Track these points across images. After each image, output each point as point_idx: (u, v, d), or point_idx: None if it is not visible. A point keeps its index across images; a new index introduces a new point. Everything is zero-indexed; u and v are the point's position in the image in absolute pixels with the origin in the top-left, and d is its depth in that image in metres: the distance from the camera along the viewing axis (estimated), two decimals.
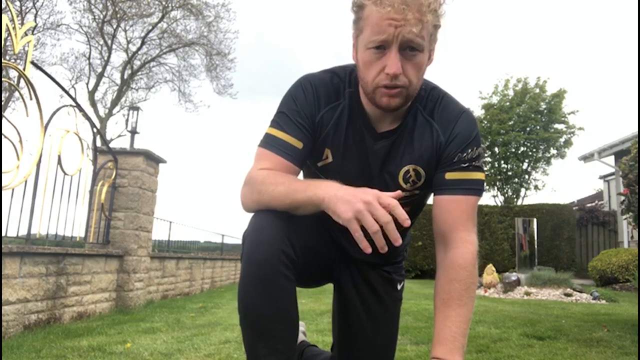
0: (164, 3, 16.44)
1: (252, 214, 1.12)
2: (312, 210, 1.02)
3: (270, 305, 1.02)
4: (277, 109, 1.19)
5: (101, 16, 16.21)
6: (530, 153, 14.89)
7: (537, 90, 14.76)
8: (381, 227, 0.91)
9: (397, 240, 0.91)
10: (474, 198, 1.18)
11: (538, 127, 14.60)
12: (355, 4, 1.06)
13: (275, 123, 1.16)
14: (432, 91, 1.20)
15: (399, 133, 1.17)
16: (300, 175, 1.22)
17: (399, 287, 1.48)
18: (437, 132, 1.17)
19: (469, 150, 1.16)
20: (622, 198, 3.91)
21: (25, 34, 3.02)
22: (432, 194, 1.26)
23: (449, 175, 1.17)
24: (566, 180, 26.91)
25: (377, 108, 1.11)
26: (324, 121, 1.18)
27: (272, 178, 1.07)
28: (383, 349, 1.38)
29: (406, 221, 0.90)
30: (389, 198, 0.92)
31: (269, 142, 1.14)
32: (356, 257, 1.31)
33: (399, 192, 0.98)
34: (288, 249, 1.04)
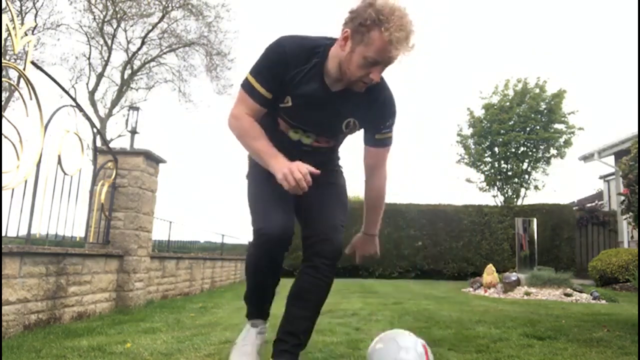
0: (164, 3, 16.45)
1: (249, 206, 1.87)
2: (265, 166, 1.69)
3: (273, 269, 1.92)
4: (258, 61, 1.70)
5: (101, 16, 16.22)
6: (530, 153, 14.88)
7: (537, 90, 14.75)
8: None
9: (309, 182, 1.58)
10: (388, 148, 1.87)
11: (538, 127, 14.59)
12: (364, 17, 1.51)
13: (256, 74, 1.69)
14: None
15: (345, 94, 1.71)
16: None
17: (338, 169, 2.08)
18: (371, 103, 1.75)
19: (390, 120, 1.80)
20: (622, 198, 3.91)
21: (25, 34, 3.02)
22: (365, 144, 1.87)
23: (378, 136, 1.83)
24: (566, 180, 26.88)
25: (349, 87, 1.68)
26: (292, 79, 1.69)
27: (252, 132, 1.72)
28: (342, 205, 1.99)
29: (315, 171, 1.59)
30: (303, 169, 1.56)
31: (249, 91, 1.71)
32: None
33: (313, 169, 1.59)
34: (288, 234, 1.75)
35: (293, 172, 1.56)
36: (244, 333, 2.03)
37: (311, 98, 1.71)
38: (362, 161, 1.92)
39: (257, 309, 2.07)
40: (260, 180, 1.85)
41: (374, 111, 1.77)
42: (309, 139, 1.85)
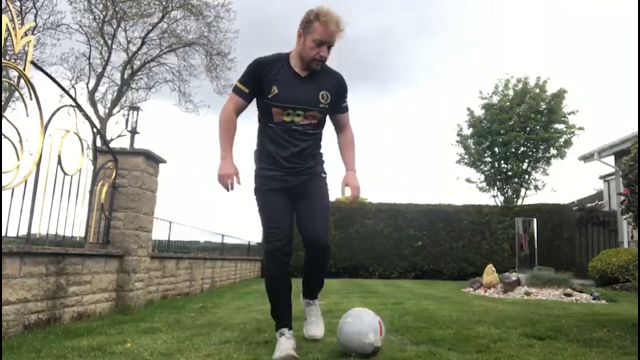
0: (164, 3, 16.44)
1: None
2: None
3: (284, 287, 2.47)
4: (242, 74, 2.48)
5: (101, 16, 16.21)
6: (530, 153, 14.86)
7: (537, 90, 14.73)
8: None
9: (232, 186, 2.38)
10: (348, 113, 2.67)
11: (538, 127, 14.57)
12: (308, 17, 2.35)
13: (240, 79, 2.48)
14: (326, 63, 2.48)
15: (312, 77, 2.46)
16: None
17: (323, 175, 2.61)
18: (333, 80, 2.53)
19: (346, 93, 2.61)
20: (622, 198, 3.91)
21: (25, 34, 3.02)
22: (333, 115, 2.62)
23: (343, 105, 2.62)
24: (566, 180, 26.85)
25: (308, 68, 2.43)
26: (268, 74, 2.41)
27: (226, 124, 2.47)
28: (325, 212, 2.54)
29: (239, 182, 2.43)
30: (227, 180, 2.36)
31: (235, 90, 2.49)
32: (293, 180, 2.49)
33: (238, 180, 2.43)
34: (282, 239, 2.38)
35: (223, 177, 2.38)
36: (277, 344, 2.35)
37: (290, 82, 2.42)
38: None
39: (281, 320, 2.43)
40: (264, 194, 2.51)
41: (337, 86, 2.54)
42: (299, 117, 2.44)
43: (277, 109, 2.41)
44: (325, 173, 2.62)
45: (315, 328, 2.73)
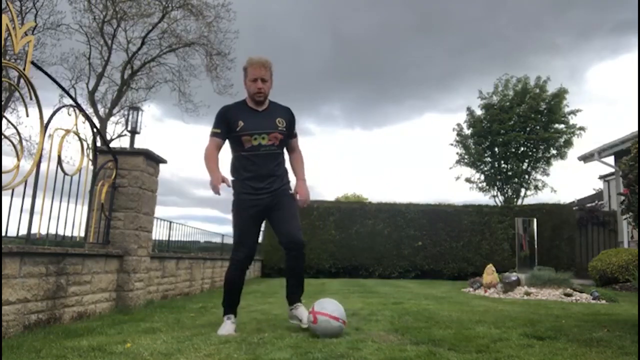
0: (164, 3, 16.42)
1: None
2: (209, 176, 3.02)
3: (239, 285, 3.23)
4: (214, 122, 3.17)
5: (101, 16, 16.18)
6: (530, 153, 14.86)
7: (537, 91, 14.73)
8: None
9: (218, 191, 2.97)
10: (297, 138, 3.39)
11: (538, 127, 14.58)
12: (244, 67, 3.16)
13: (213, 126, 3.17)
14: (273, 100, 3.28)
15: (267, 110, 3.18)
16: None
17: (290, 192, 3.25)
18: (285, 111, 3.25)
19: (295, 122, 3.31)
20: (622, 198, 3.91)
21: (25, 34, 3.02)
22: (287, 140, 3.26)
23: (293, 131, 3.32)
24: (566, 180, 26.87)
25: (255, 102, 3.16)
26: (233, 114, 3.12)
27: (209, 158, 3.08)
28: (296, 216, 3.18)
29: (228, 183, 3.08)
30: (216, 189, 2.95)
31: (212, 134, 3.16)
32: (266, 201, 3.13)
33: (226, 182, 3.03)
34: (250, 253, 3.18)
35: (213, 181, 2.96)
36: (223, 324, 3.09)
37: (251, 116, 3.13)
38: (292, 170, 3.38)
39: (231, 309, 3.18)
40: (240, 214, 3.16)
41: (289, 116, 3.24)
42: (264, 139, 3.10)
43: (246, 137, 3.09)
44: (291, 190, 3.27)
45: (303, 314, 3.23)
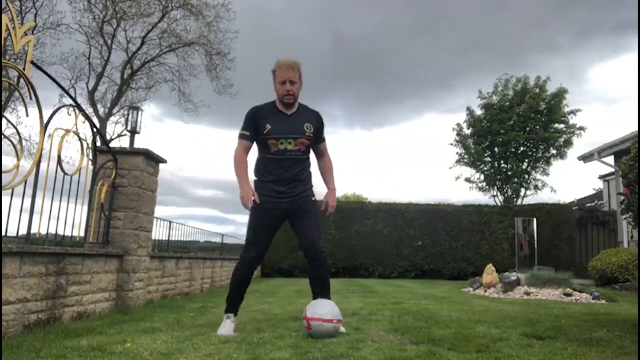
0: (164, 3, 16.42)
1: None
2: (239, 185, 3.09)
3: (246, 285, 3.24)
4: (243, 123, 3.15)
5: (101, 16, 16.18)
6: (530, 153, 14.86)
7: (537, 91, 14.73)
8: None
9: (249, 207, 3.06)
10: (326, 143, 3.35)
11: (538, 127, 14.57)
12: (272, 70, 3.09)
13: (242, 128, 3.15)
14: (303, 103, 3.22)
15: (296, 114, 3.13)
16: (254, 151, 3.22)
17: (313, 199, 3.21)
18: (314, 115, 3.21)
19: (323, 127, 3.28)
20: (622, 198, 3.91)
21: (25, 34, 3.02)
22: (315, 145, 3.24)
23: (322, 136, 3.28)
24: (566, 180, 26.88)
25: (284, 105, 3.11)
26: (261, 116, 3.09)
27: (239, 163, 3.11)
28: (317, 224, 3.18)
29: (257, 199, 3.06)
30: (248, 203, 3.03)
31: (240, 136, 3.14)
32: (287, 205, 3.10)
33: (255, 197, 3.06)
34: (261, 254, 3.18)
35: (245, 198, 3.03)
36: (224, 323, 3.11)
37: (279, 119, 3.09)
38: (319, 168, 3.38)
39: (234, 307, 3.19)
40: (258, 215, 3.09)
41: (318, 121, 3.21)
42: (290, 144, 3.06)
43: (273, 141, 3.05)
44: (314, 196, 3.23)
45: None
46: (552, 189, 15.76)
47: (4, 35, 2.74)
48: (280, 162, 3.07)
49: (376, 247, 12.79)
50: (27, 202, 3.16)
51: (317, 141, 3.23)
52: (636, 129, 9.92)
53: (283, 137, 3.04)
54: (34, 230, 3.26)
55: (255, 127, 3.08)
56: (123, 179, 4.46)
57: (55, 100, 13.70)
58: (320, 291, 3.13)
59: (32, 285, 3.03)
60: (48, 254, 3.21)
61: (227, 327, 3.05)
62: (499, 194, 15.29)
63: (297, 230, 3.13)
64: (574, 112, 14.55)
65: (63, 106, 3.62)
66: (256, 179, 3.18)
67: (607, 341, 2.81)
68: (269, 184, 3.09)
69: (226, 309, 3.17)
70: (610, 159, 11.96)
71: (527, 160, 14.89)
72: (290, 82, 3.02)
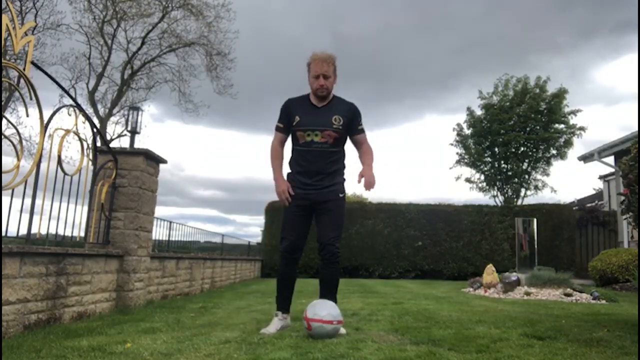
0: (164, 3, 16.43)
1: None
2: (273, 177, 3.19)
3: (288, 279, 3.21)
4: (279, 114, 3.22)
5: (101, 16, 16.19)
6: (530, 153, 14.87)
7: (537, 91, 14.73)
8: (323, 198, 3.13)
9: (288, 199, 3.11)
10: (365, 134, 3.26)
11: (538, 127, 14.58)
12: (307, 63, 3.13)
13: (278, 120, 3.23)
14: (337, 95, 3.23)
15: (327, 106, 3.15)
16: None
17: (340, 195, 3.18)
18: (346, 107, 3.19)
19: (359, 117, 3.24)
20: (622, 198, 3.91)
21: (25, 34, 3.01)
22: (351, 136, 3.22)
23: (358, 127, 3.23)
24: (566, 180, 26.89)
25: (317, 98, 3.14)
26: (293, 108, 3.16)
27: (274, 154, 3.23)
28: (339, 225, 3.14)
29: (291, 192, 3.13)
30: (283, 195, 3.10)
31: (276, 128, 3.25)
32: (314, 196, 3.09)
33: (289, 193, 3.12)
34: (294, 244, 3.13)
35: (280, 193, 3.11)
36: (271, 321, 3.14)
37: (308, 111, 3.13)
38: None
39: (281, 304, 3.18)
40: (288, 211, 3.13)
41: (350, 112, 3.18)
42: (317, 136, 3.07)
43: (300, 132, 3.10)
44: (343, 192, 3.19)
45: None
46: (552, 189, 15.79)
47: (4, 35, 2.74)
48: (307, 154, 3.09)
49: (376, 247, 12.80)
50: (27, 202, 3.17)
51: (352, 132, 3.20)
52: (636, 129, 9.92)
53: (309, 128, 3.07)
54: (34, 230, 3.26)
55: (288, 118, 3.15)
56: (123, 179, 4.46)
57: (55, 100, 13.72)
58: (326, 292, 3.12)
59: (32, 285, 3.03)
60: (48, 254, 3.21)
61: (274, 324, 3.09)
62: (499, 194, 15.30)
63: (318, 225, 3.14)
64: (574, 112, 14.56)
65: (63, 106, 3.62)
66: (290, 170, 3.22)
67: (607, 341, 2.81)
68: (296, 174, 3.14)
69: (276, 307, 3.21)
70: (610, 159, 11.97)
71: (527, 160, 14.90)
72: (323, 76, 3.05)
